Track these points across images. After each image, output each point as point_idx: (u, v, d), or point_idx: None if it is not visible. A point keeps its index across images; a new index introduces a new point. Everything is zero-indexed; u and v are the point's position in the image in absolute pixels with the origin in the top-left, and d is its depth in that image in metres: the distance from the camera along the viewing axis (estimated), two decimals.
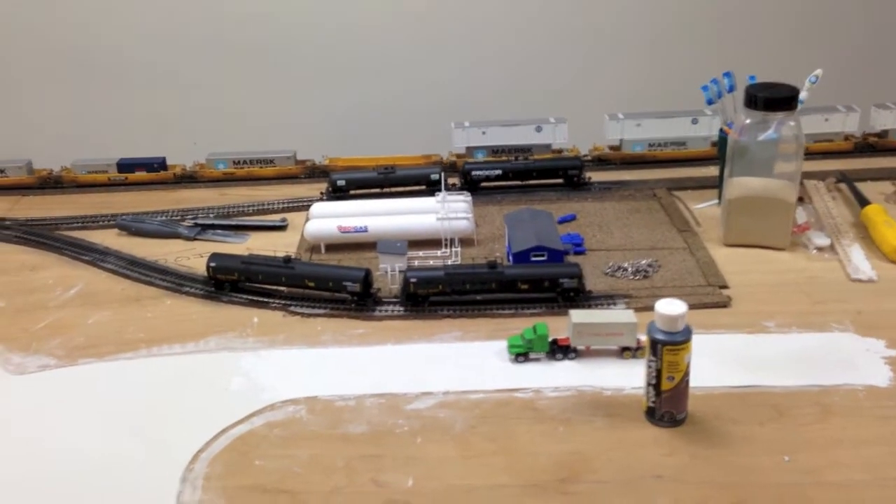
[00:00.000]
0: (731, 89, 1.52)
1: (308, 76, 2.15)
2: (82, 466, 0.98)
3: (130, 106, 2.17)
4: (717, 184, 1.57)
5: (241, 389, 1.10)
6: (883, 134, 1.71)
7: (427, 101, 2.09)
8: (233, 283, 1.31)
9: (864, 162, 1.69)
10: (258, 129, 2.13)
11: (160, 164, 1.75)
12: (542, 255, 1.29)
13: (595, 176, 1.65)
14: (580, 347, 1.12)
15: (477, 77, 2.12)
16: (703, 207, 1.54)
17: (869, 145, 1.72)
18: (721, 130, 1.52)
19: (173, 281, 1.37)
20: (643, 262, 1.34)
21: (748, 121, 1.33)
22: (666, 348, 0.95)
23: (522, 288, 1.23)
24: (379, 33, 2.13)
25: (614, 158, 1.73)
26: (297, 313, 1.27)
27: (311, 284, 1.27)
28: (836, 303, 1.22)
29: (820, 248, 1.36)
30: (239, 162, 1.75)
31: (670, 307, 0.95)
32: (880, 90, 1.86)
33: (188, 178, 1.75)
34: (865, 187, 1.55)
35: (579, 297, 1.23)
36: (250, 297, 1.30)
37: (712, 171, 1.68)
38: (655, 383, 0.97)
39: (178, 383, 1.13)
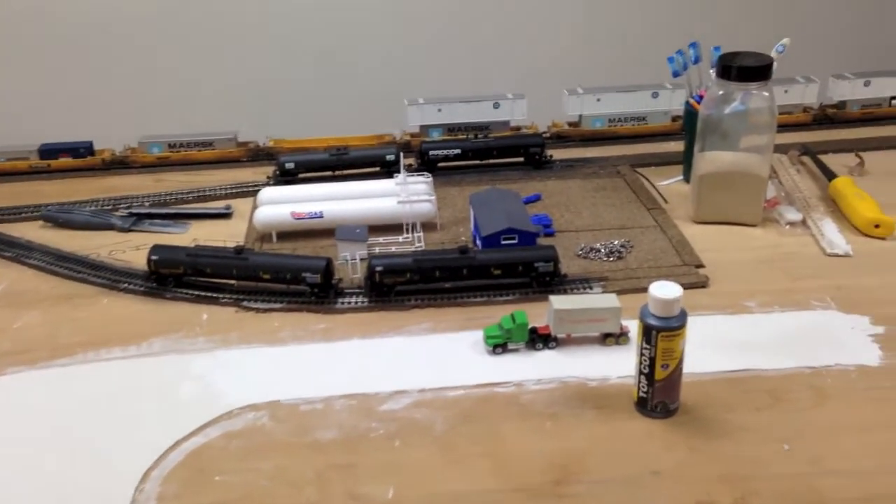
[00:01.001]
0: (697, 60, 1.48)
1: (248, 51, 2.02)
2: (15, 490, 0.87)
3: (52, 85, 2.00)
4: (681, 159, 1.52)
5: (193, 396, 1.00)
6: (841, 105, 1.70)
7: (378, 77, 1.98)
8: (177, 277, 1.20)
9: (823, 134, 1.67)
10: (195, 108, 1.99)
11: (87, 149, 1.61)
12: (513, 238, 1.22)
13: (555, 153, 1.59)
14: (561, 335, 1.05)
15: (431, 51, 2.02)
16: (668, 184, 1.49)
17: (827, 117, 1.70)
18: (687, 104, 1.47)
19: (109, 277, 1.24)
20: (615, 242, 1.28)
21: (721, 92, 1.28)
22: (661, 335, 0.89)
23: (495, 273, 1.16)
24: (324, 3, 2.01)
25: (574, 135, 1.67)
26: (252, 308, 1.17)
27: (266, 277, 1.16)
28: (815, 279, 1.19)
29: (791, 223, 1.33)
30: (175, 145, 1.62)
31: (665, 290, 0.89)
32: (837, 60, 1.85)
33: (119, 164, 1.61)
34: (828, 160, 1.53)
35: (554, 281, 1.16)
36: (197, 293, 1.19)
37: (674, 146, 1.63)
38: (648, 372, 0.91)
39: (122, 392, 1.01)
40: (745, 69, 1.25)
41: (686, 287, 1.16)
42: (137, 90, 2.01)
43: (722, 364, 1.01)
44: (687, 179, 1.48)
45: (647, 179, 1.50)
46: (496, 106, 1.63)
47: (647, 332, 0.89)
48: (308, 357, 1.07)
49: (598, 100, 1.65)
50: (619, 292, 1.16)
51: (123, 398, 1.00)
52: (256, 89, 2.04)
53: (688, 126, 1.46)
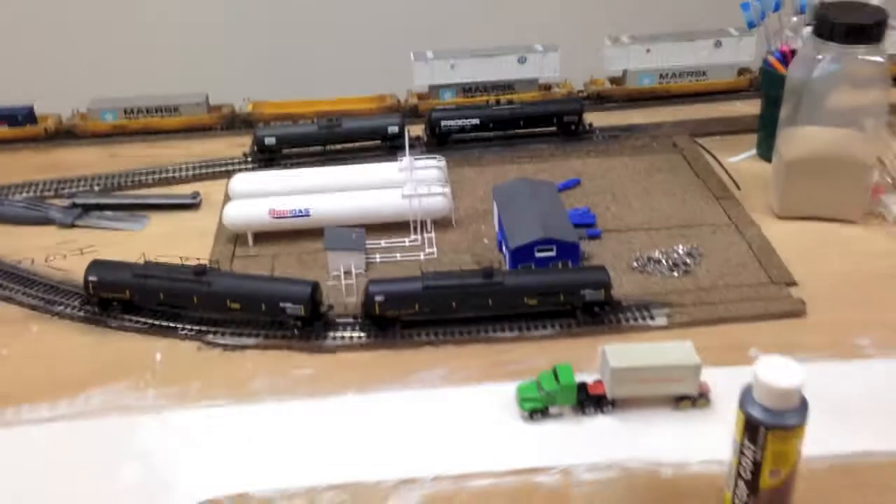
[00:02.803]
0: (778, 7, 1.17)
1: None
2: None
3: None
4: (753, 126, 1.24)
5: (134, 485, 0.76)
6: None
7: (378, 25, 1.66)
8: (123, 301, 0.94)
9: None
10: (157, 64, 1.67)
11: (26, 116, 1.33)
12: (550, 250, 0.95)
13: (594, 119, 1.30)
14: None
15: None
16: (739, 160, 1.21)
17: None
18: (765, 62, 1.17)
19: (41, 296, 0.99)
20: (680, 249, 1.01)
21: (819, 56, 0.99)
22: (771, 434, 0.63)
23: (529, 304, 0.90)
24: None
25: (617, 95, 1.38)
26: (218, 344, 0.91)
27: (236, 306, 0.91)
28: None
29: None
30: (132, 111, 1.33)
31: (780, 374, 0.63)
32: None
33: (65, 134, 1.34)
34: None
35: (605, 311, 0.90)
36: (150, 322, 0.94)
37: (741, 108, 1.35)
38: (750, 479, 0.66)
39: (40, 476, 0.77)
40: (851, 28, 0.96)
41: (776, 317, 0.92)
42: (87, 41, 1.68)
43: (835, 443, 0.76)
44: (763, 155, 1.20)
45: (711, 155, 1.22)
46: (522, 60, 1.33)
47: (753, 429, 0.64)
48: (288, 422, 0.82)
49: (648, 51, 1.34)
50: (689, 324, 0.91)
51: (41, 486, 0.76)
52: (231, 41, 1.70)
53: (766, 89, 1.17)
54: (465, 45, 1.34)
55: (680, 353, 0.79)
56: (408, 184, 1.06)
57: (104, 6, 1.68)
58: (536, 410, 0.80)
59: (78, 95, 1.34)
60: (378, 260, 1.03)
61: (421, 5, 1.68)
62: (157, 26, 1.68)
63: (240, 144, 1.29)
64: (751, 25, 1.17)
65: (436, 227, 1.08)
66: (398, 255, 1.04)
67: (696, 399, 0.80)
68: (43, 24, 1.66)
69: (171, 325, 0.94)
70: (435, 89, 1.34)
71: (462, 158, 1.23)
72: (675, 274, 0.98)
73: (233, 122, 1.35)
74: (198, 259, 0.94)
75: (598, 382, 0.81)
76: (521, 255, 0.95)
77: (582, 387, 0.80)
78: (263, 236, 1.08)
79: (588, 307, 0.90)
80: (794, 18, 1.15)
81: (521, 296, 0.89)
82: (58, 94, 1.34)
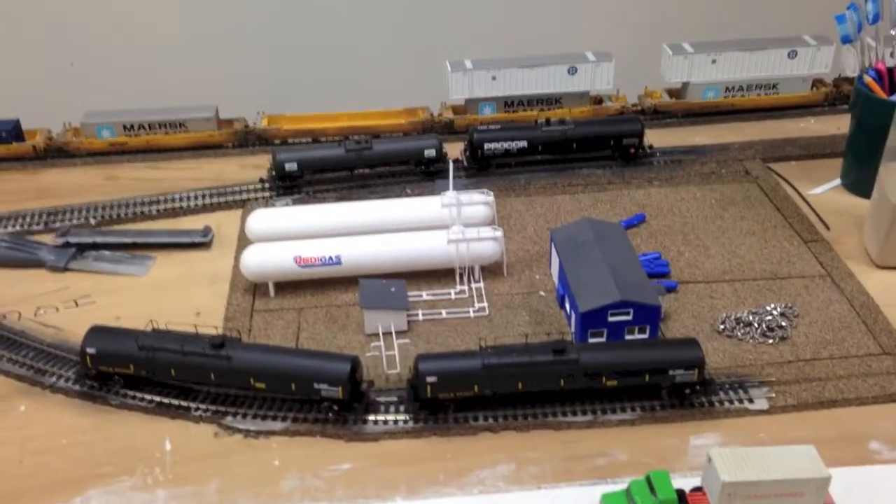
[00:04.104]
0: (876, 19, 1.02)
1: None
2: None
3: None
4: (836, 151, 1.10)
5: None
6: None
7: (410, 32, 1.50)
8: (127, 376, 0.80)
9: None
10: (160, 73, 1.50)
11: (11, 132, 1.18)
12: (627, 314, 0.82)
13: (650, 136, 1.15)
14: None
15: None
16: (822, 192, 1.07)
17: None
18: (860, 80, 1.03)
19: (30, 364, 0.85)
20: (774, 309, 0.87)
21: None
22: None
23: (608, 385, 0.76)
24: None
25: (676, 109, 1.23)
26: (238, 430, 0.78)
27: (260, 385, 0.77)
28: None
29: None
30: (132, 126, 1.18)
31: None
32: None
33: (56, 152, 1.19)
34: None
35: (696, 391, 0.77)
36: (158, 399, 0.80)
37: (815, 126, 1.21)
38: None
39: None
40: None
41: (894, 399, 0.79)
42: (82, 46, 1.51)
43: None
44: (850, 187, 1.06)
45: (790, 185, 1.08)
46: (572, 71, 1.18)
47: None
48: None
49: (714, 61, 1.19)
50: (794, 408, 0.77)
51: None
52: (244, 46, 1.53)
53: (860, 111, 1.03)
54: (506, 53, 1.18)
55: (803, 462, 0.66)
56: (454, 226, 0.92)
57: (100, 7, 1.50)
58: None
59: (71, 108, 1.19)
60: (420, 317, 0.89)
61: (460, 10, 1.50)
62: (159, 29, 1.50)
63: (254, 165, 1.15)
64: (846, 40, 1.02)
65: (484, 275, 0.94)
66: (443, 311, 0.90)
67: None
68: (31, 25, 1.48)
69: (183, 403, 0.80)
70: (473, 103, 1.19)
71: (507, 186, 1.08)
72: (770, 340, 0.84)
73: (246, 139, 1.20)
74: (215, 328, 0.80)
75: (698, 492, 0.67)
76: (592, 320, 0.82)
77: (681, 496, 0.67)
78: (287, 285, 0.94)
79: (677, 388, 0.76)
80: (894, 31, 1.01)
81: (598, 376, 0.76)
82: (48, 106, 1.19)
